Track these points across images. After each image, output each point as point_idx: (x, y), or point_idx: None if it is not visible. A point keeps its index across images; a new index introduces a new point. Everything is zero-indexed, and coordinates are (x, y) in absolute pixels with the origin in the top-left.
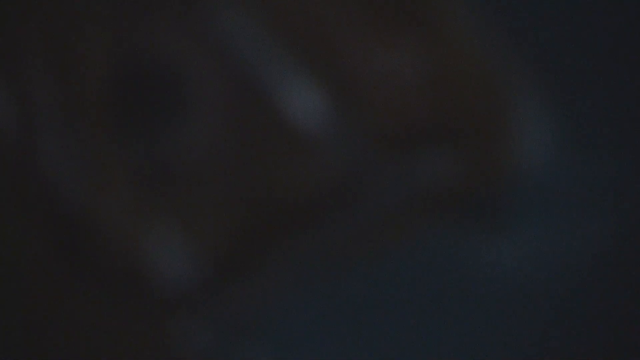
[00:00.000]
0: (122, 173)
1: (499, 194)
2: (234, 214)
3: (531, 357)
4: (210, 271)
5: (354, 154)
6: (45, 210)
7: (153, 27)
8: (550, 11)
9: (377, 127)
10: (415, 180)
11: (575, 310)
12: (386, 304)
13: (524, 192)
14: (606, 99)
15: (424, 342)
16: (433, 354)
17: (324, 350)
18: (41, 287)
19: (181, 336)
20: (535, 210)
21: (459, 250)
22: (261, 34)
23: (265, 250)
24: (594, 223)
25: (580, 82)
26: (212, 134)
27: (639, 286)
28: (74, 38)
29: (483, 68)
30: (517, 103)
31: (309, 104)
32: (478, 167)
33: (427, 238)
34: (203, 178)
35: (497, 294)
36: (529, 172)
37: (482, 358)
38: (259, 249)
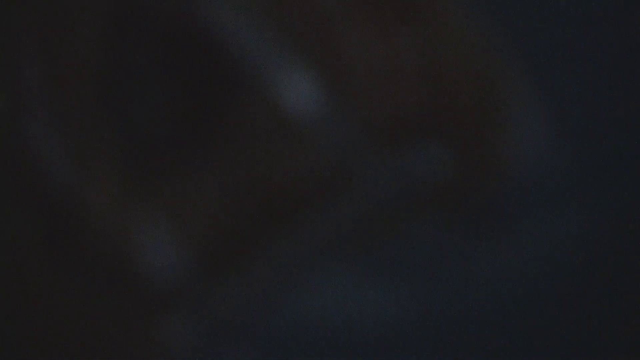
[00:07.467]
0: (110, 164)
1: (493, 190)
2: (222, 205)
3: (529, 355)
4: (198, 264)
5: (346, 146)
6: (33, 202)
7: (146, 17)
8: (545, 9)
9: (370, 119)
10: (407, 175)
11: (570, 306)
12: (376, 303)
13: (517, 189)
14: (601, 97)
15: (415, 342)
16: (426, 354)
17: (310, 350)
18: (28, 279)
19: (169, 332)
20: (530, 207)
21: (453, 247)
22: (256, 23)
23: (253, 243)
24: (588, 220)
25: (574, 80)
26: (202, 122)
27: (636, 283)
28: (64, 25)
29: (478, 64)
30: (511, 100)
31: (302, 94)
32: (471, 163)
33: (419, 234)
34: (191, 168)
35: (492, 291)
36: (523, 169)
37: (479, 357)
38: (247, 241)
